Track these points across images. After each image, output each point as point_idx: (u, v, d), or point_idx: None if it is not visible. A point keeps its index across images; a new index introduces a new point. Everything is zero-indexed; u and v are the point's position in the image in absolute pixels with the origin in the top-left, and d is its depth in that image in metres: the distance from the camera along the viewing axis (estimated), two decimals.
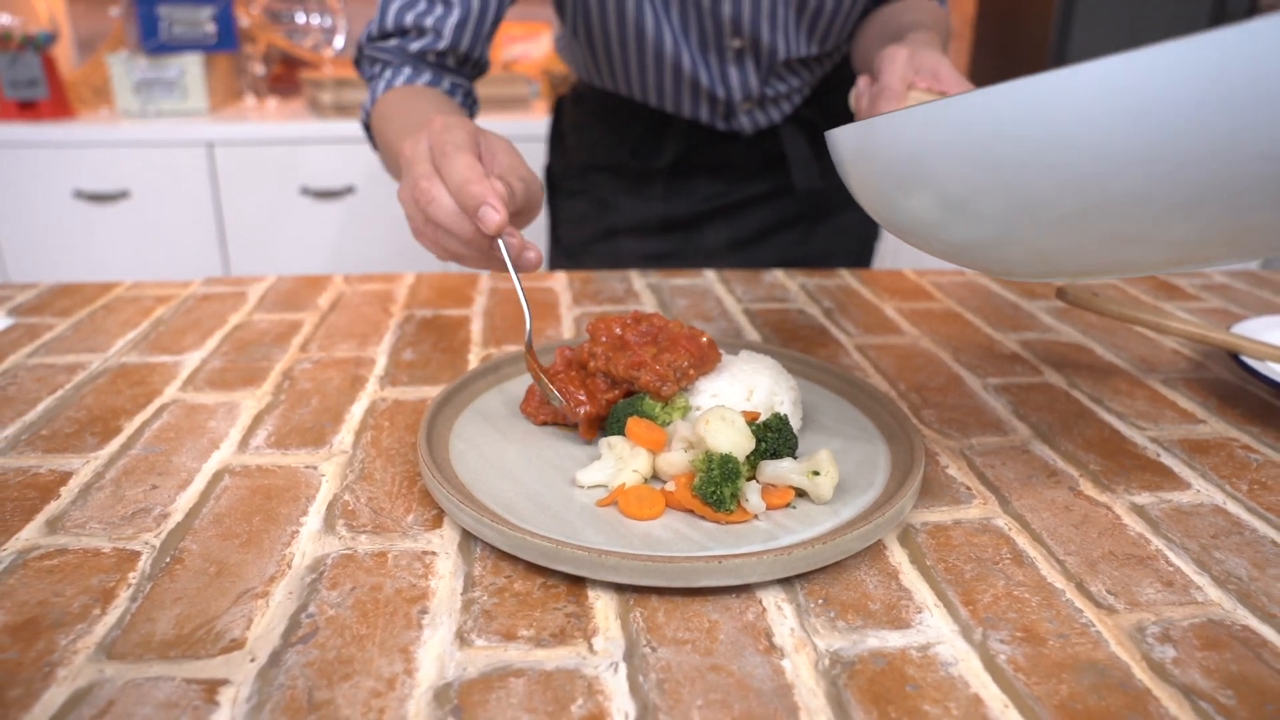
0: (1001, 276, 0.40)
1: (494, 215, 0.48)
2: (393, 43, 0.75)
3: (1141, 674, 0.34)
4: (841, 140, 0.40)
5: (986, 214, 0.34)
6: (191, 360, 0.62)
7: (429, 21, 0.74)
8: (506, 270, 0.52)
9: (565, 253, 1.02)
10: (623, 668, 0.34)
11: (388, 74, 0.76)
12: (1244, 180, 0.29)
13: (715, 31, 0.82)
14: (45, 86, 1.80)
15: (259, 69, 2.11)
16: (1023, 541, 0.42)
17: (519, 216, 0.55)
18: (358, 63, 0.80)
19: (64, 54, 2.07)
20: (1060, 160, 0.31)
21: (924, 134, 0.34)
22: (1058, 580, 0.39)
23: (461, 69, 0.79)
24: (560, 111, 1.03)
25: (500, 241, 0.50)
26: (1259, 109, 0.27)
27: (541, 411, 0.50)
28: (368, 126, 0.78)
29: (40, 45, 1.79)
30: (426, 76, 0.76)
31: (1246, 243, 0.33)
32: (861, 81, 0.67)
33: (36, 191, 1.78)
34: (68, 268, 1.83)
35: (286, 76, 2.18)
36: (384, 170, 1.84)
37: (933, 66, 0.62)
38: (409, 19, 0.74)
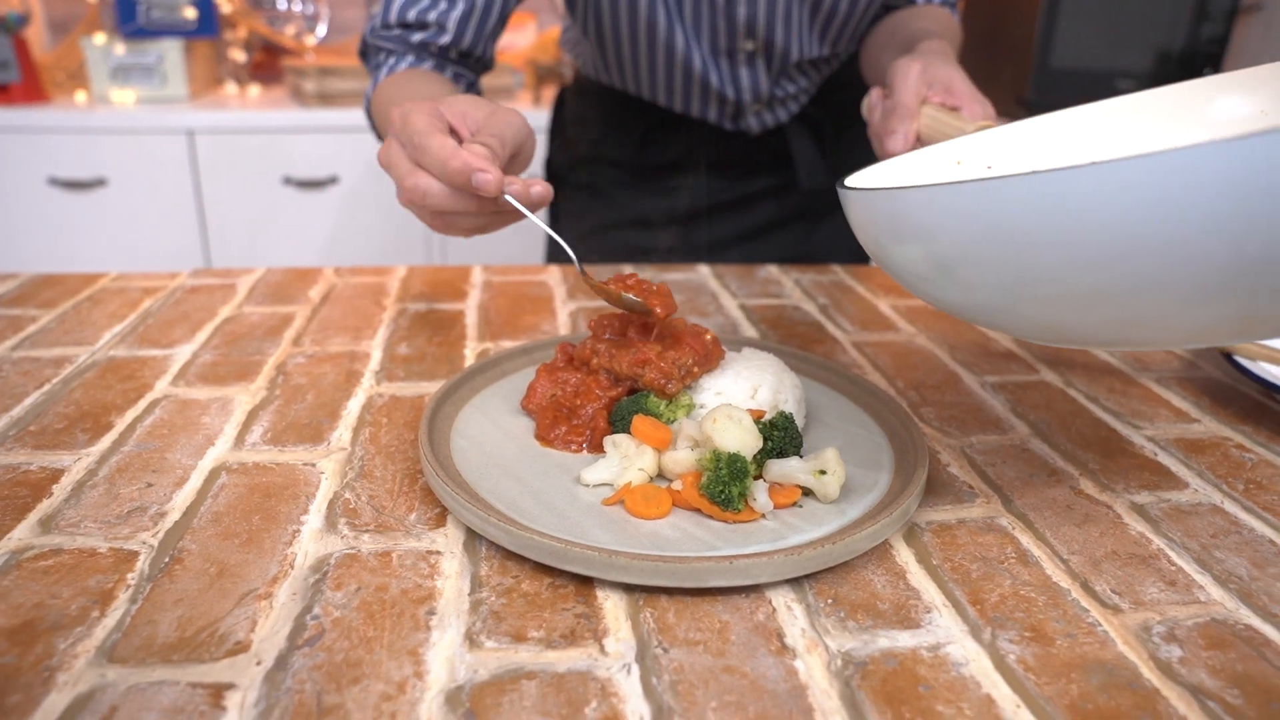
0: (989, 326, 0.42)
1: (487, 178, 0.48)
2: (396, 32, 0.75)
3: (1150, 673, 0.34)
4: (850, 201, 0.41)
5: (982, 285, 0.36)
6: (182, 354, 0.61)
7: (432, 16, 0.74)
8: (527, 216, 0.52)
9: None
10: (635, 669, 0.33)
11: (391, 61, 0.75)
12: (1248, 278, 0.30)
13: (729, 33, 0.81)
14: (17, 69, 1.76)
15: (240, 56, 2.07)
16: (1027, 540, 0.43)
17: (515, 160, 0.54)
18: (363, 54, 0.80)
19: (36, 36, 2.02)
20: (1074, 247, 0.32)
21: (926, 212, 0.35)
22: (1063, 580, 0.40)
23: (464, 62, 0.78)
24: (562, 103, 1.02)
25: (507, 195, 0.50)
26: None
27: (545, 412, 0.50)
28: (370, 115, 0.77)
29: (11, 27, 1.75)
30: (429, 65, 0.75)
31: (1254, 330, 0.34)
32: (874, 93, 0.66)
33: (9, 178, 1.74)
34: (42, 257, 1.80)
35: (268, 64, 2.14)
36: (373, 161, 1.82)
37: (946, 80, 0.61)
38: (412, 14, 0.74)
